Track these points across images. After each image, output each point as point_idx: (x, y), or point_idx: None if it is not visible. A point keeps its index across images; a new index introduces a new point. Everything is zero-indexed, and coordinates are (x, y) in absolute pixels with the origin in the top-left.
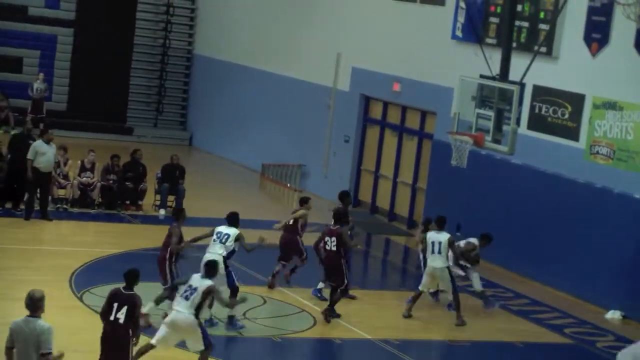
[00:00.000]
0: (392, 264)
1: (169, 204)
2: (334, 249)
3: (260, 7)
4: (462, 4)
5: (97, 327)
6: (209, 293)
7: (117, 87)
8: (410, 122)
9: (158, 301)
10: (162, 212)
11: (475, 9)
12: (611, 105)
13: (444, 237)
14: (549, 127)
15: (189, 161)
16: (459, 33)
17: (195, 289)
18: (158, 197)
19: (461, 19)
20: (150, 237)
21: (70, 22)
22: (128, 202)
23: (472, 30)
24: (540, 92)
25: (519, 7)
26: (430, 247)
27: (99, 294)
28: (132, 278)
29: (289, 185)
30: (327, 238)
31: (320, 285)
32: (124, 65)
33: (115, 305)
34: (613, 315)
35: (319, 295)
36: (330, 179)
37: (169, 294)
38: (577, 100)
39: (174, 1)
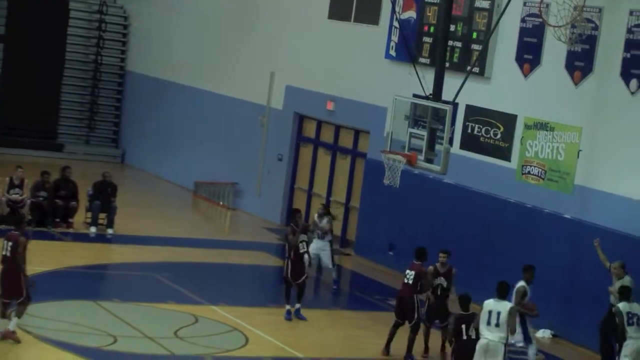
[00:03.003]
0: (324, 283)
1: (100, 221)
2: (410, 282)
3: (194, 25)
4: (396, 24)
5: (28, 346)
6: None
7: (48, 103)
8: (344, 141)
9: None
10: (93, 229)
11: (409, 28)
12: (542, 126)
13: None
14: (481, 147)
15: (121, 179)
16: (392, 52)
17: None
18: (89, 214)
19: (395, 38)
20: (82, 255)
21: (0, 37)
22: (58, 219)
23: (406, 50)
24: (473, 112)
25: (452, 28)
26: (486, 317)
27: (31, 312)
28: None
29: (221, 203)
30: (407, 271)
31: (297, 306)
32: (55, 81)
33: None
34: (543, 334)
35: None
36: (263, 198)
37: None
38: (509, 121)
39: (106, 17)
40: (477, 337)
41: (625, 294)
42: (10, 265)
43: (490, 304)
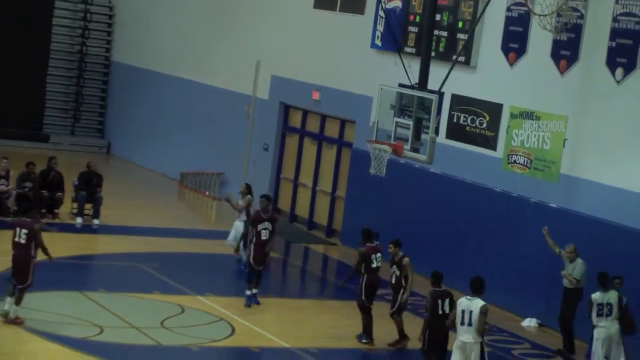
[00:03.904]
0: (310, 273)
1: (86, 212)
2: None
3: (179, 15)
4: (382, 13)
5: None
6: None
7: (33, 94)
8: (330, 130)
9: None
10: (79, 220)
11: (395, 18)
12: (528, 115)
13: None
14: (467, 136)
15: (107, 169)
16: (378, 42)
17: None
18: (75, 205)
19: (380, 28)
20: (68, 246)
21: None
22: (44, 210)
23: (392, 40)
24: (459, 102)
25: (438, 17)
26: (460, 316)
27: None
28: None
29: (207, 193)
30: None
31: (254, 291)
32: (41, 71)
33: None
34: (529, 323)
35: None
36: None
37: None
38: (494, 110)
39: (91, 7)
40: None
41: (602, 281)
42: (22, 251)
43: (463, 302)
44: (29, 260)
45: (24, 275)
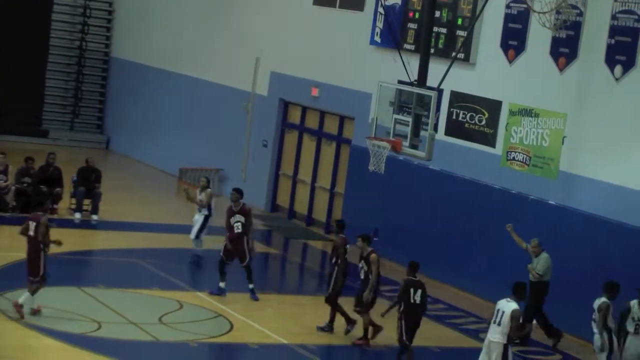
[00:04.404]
0: (309, 269)
1: (84, 207)
2: None
3: (178, 10)
4: (381, 10)
5: (10, 332)
6: None
7: (33, 90)
8: (329, 127)
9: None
10: (77, 215)
11: (394, 14)
12: (527, 112)
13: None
14: (466, 133)
15: (105, 165)
16: (377, 39)
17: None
18: (74, 200)
19: (380, 24)
20: (66, 241)
21: None
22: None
23: (391, 36)
24: (458, 98)
25: (437, 14)
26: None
27: (14, 298)
28: None
29: None
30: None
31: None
32: (40, 67)
33: None
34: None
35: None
36: (248, 184)
37: None
38: (493, 107)
39: (91, 3)
40: (422, 304)
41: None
42: (33, 244)
43: (501, 302)
44: (39, 253)
45: (35, 269)
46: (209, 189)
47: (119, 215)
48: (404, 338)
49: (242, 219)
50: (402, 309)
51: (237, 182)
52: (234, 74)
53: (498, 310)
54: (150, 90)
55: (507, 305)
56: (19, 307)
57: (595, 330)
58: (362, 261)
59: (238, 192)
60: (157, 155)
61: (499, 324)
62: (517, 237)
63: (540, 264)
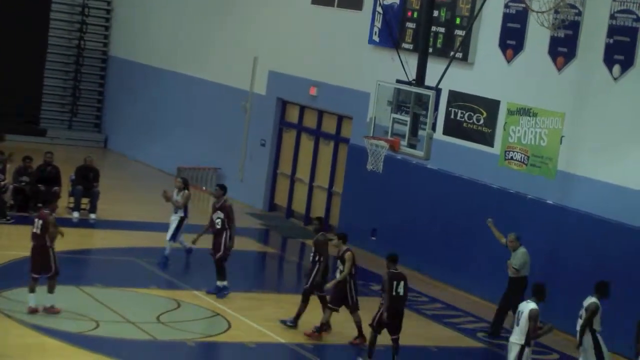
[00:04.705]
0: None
1: (82, 206)
2: None
3: (177, 10)
4: (379, 9)
5: (9, 331)
6: None
7: (31, 88)
8: (327, 126)
9: None
10: (75, 214)
11: (392, 14)
12: (525, 112)
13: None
14: (464, 132)
15: (104, 164)
16: (375, 38)
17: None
18: (72, 199)
19: (378, 24)
20: (63, 240)
21: None
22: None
23: (389, 35)
24: (456, 98)
25: (436, 13)
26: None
27: (13, 297)
28: None
29: (204, 188)
30: None
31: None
32: (38, 65)
33: None
34: None
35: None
36: (246, 183)
37: None
38: (492, 106)
39: (89, 2)
40: (405, 295)
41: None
42: (40, 242)
43: (522, 304)
44: (47, 249)
45: (46, 265)
46: (187, 191)
47: (117, 214)
48: (374, 323)
49: (222, 215)
50: (385, 301)
51: (235, 181)
52: (232, 73)
53: (518, 311)
54: (149, 89)
55: (526, 306)
56: (48, 308)
57: (577, 327)
58: (339, 261)
59: (221, 189)
60: (155, 154)
61: (517, 324)
62: (497, 231)
63: (517, 258)
